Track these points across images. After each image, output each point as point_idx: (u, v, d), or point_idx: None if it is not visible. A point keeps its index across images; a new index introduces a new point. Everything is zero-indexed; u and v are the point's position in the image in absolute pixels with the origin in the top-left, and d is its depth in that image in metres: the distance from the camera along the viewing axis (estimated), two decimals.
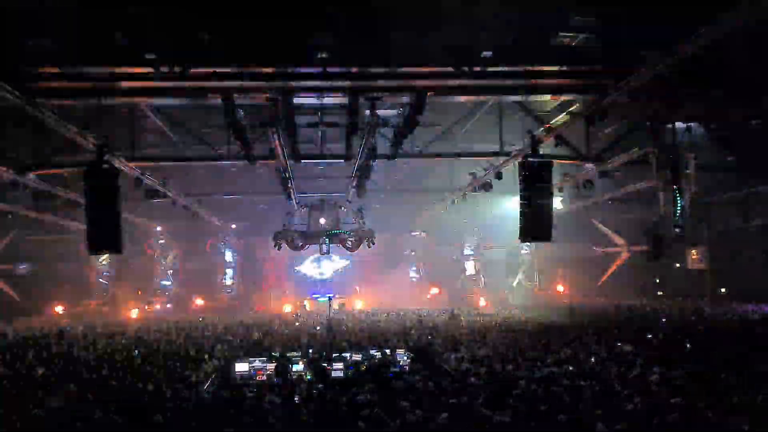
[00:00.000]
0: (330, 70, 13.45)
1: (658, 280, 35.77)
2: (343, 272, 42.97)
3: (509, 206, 25.34)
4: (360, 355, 14.78)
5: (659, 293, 35.20)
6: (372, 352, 15.05)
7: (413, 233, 44.04)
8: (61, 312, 35.15)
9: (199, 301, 40.65)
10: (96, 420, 8.82)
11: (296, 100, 15.00)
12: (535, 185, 15.96)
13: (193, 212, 29.34)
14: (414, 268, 45.21)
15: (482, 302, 40.88)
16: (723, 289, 30.90)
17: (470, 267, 45.19)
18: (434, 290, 43.84)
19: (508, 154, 19.70)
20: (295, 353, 15.23)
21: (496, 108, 18.12)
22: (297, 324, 26.54)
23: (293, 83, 14.07)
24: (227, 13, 11.79)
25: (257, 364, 14.10)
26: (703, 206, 28.99)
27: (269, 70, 13.55)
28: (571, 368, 12.42)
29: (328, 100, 15.65)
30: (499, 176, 21.29)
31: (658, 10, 11.54)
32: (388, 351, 15.08)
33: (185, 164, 21.54)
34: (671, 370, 11.42)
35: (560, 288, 42.03)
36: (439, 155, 21.01)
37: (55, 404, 10.29)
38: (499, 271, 44.22)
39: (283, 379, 13.34)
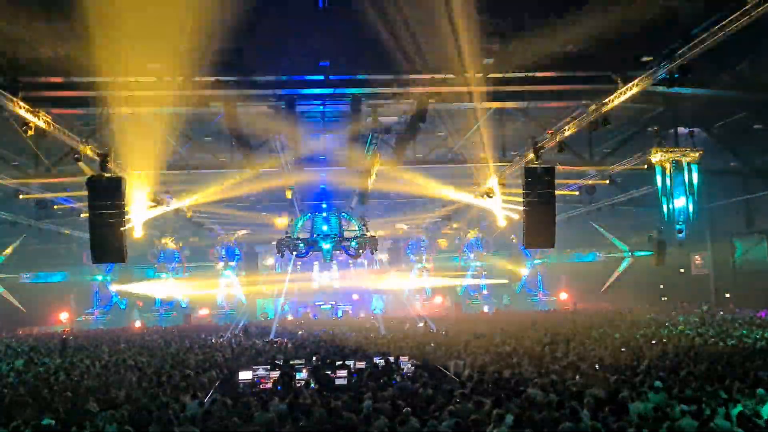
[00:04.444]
0: (333, 77, 13.48)
1: (662, 286, 35.62)
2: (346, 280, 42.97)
3: None
4: None
5: (663, 298, 35.06)
6: None
7: (416, 240, 44.04)
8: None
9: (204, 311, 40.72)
10: None
11: (299, 108, 15.02)
12: (537, 192, 15.90)
13: (195, 221, 29.38)
14: (416, 272, 45.09)
15: (485, 308, 40.92)
16: (727, 294, 30.78)
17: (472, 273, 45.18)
18: (438, 299, 43.82)
19: (510, 160, 19.67)
20: (298, 361, 15.20)
21: (498, 114, 18.11)
22: (300, 333, 26.55)
23: (296, 91, 14.11)
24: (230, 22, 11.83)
25: (261, 372, 14.07)
26: (707, 211, 28.92)
27: (272, 77, 13.59)
28: None
29: (330, 108, 15.67)
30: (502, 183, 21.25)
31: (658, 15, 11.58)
32: None
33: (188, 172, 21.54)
34: None
35: (564, 295, 41.97)
36: (441, 162, 21.02)
37: None
38: (502, 276, 44.19)
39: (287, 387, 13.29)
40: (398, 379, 13.40)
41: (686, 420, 8.42)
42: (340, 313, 40.07)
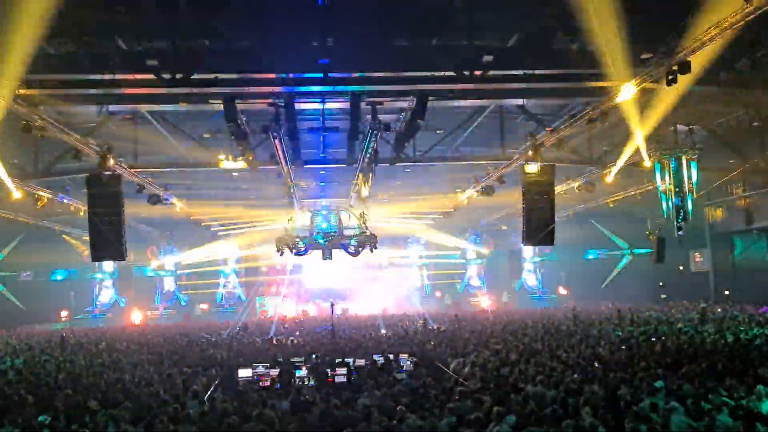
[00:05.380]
0: (332, 75, 13.44)
1: (661, 284, 35.60)
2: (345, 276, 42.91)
3: None
4: None
5: (663, 296, 35.05)
6: None
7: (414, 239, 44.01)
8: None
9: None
10: None
11: (298, 105, 14.98)
12: (536, 189, 15.90)
13: (194, 218, 29.34)
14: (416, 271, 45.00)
15: (484, 305, 40.90)
16: (726, 292, 30.79)
17: (472, 271, 45.14)
18: (437, 294, 43.81)
19: (509, 158, 19.64)
20: (298, 358, 15.20)
21: (497, 112, 18.07)
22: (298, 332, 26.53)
23: (295, 88, 14.06)
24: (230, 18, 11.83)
25: (260, 369, 14.05)
26: (706, 208, 28.94)
27: (271, 75, 13.55)
28: None
29: (329, 105, 15.61)
30: (501, 180, 21.26)
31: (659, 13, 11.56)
32: None
33: (187, 170, 21.51)
34: None
35: (563, 291, 41.94)
36: (440, 160, 21.00)
37: None
38: (502, 273, 44.12)
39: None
40: (399, 376, 13.38)
41: (686, 417, 8.43)
42: (339, 311, 40.03)
